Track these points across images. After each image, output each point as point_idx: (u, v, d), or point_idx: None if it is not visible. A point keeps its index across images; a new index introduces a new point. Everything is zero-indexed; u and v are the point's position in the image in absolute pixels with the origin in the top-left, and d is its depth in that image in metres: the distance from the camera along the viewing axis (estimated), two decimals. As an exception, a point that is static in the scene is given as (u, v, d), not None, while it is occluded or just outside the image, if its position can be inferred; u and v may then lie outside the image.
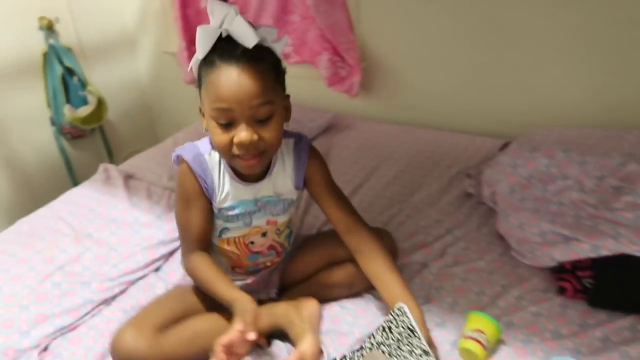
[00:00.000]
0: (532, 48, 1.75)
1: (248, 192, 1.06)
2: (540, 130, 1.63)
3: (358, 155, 1.86)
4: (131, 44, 2.78)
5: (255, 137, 0.91)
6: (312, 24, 2.13)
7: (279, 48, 0.97)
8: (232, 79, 0.89)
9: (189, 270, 1.06)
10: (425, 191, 1.58)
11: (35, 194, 2.42)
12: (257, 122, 0.92)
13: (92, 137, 2.66)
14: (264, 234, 1.12)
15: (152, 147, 2.01)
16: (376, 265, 1.06)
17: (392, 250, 1.18)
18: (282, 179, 1.09)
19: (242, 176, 1.05)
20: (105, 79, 2.64)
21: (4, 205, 2.30)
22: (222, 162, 1.04)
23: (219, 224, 1.09)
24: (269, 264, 1.17)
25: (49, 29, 2.31)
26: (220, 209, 1.06)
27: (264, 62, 0.92)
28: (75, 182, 2.55)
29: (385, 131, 2.01)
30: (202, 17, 2.45)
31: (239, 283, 1.11)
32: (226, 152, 0.95)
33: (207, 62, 0.92)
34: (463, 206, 1.49)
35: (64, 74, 2.38)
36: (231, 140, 0.92)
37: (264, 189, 1.07)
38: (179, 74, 2.63)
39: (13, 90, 2.25)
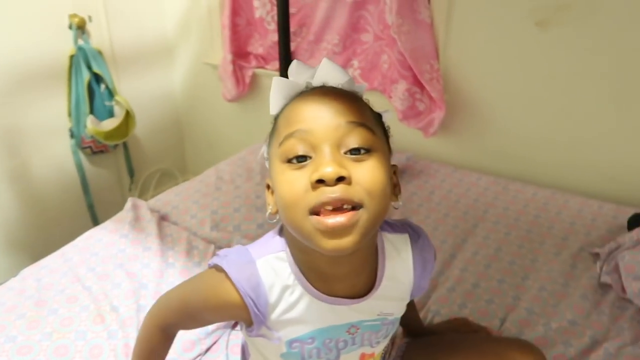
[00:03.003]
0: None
1: (339, 313, 0.69)
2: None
3: (442, 211, 1.51)
4: (168, 52, 2.47)
5: (344, 170, 0.56)
6: (387, 45, 1.81)
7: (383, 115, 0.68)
8: (313, 98, 0.62)
9: (140, 331, 0.80)
10: (543, 274, 1.23)
11: (45, 212, 2.11)
12: (347, 156, 0.58)
13: (113, 153, 2.34)
14: None
15: (189, 179, 1.67)
16: None
17: None
18: (396, 291, 0.73)
19: (330, 290, 0.67)
20: (134, 89, 2.33)
21: (11, 222, 1.99)
22: (297, 269, 0.67)
23: None
24: None
25: (80, 28, 2.00)
26: (289, 341, 0.69)
27: (357, 96, 0.65)
28: (90, 203, 2.24)
29: (471, 181, 1.66)
30: (253, 28, 2.14)
31: None
32: (300, 208, 0.57)
33: (280, 113, 0.66)
34: (602, 303, 1.13)
35: (90, 80, 2.07)
36: (307, 184, 0.57)
37: (365, 309, 0.70)
38: (219, 88, 2.32)
39: (33, 94, 1.95)
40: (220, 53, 2.23)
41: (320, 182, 0.55)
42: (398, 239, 0.73)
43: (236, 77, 2.19)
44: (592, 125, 1.58)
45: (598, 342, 1.02)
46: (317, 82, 0.65)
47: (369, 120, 0.62)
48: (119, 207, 2.38)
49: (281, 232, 0.69)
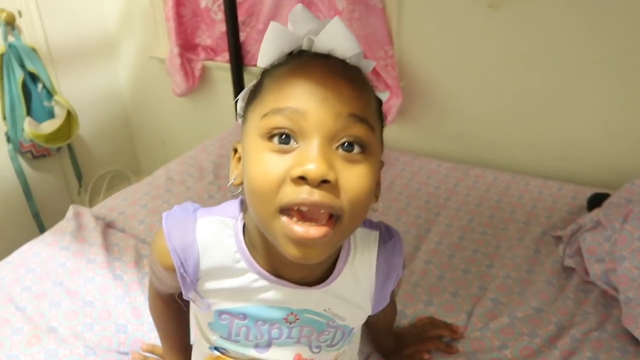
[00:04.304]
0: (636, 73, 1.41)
1: (280, 295, 0.62)
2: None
3: (403, 201, 1.47)
4: (110, 47, 2.32)
5: (332, 173, 0.48)
6: (340, 33, 1.74)
7: (381, 97, 0.60)
8: (315, 72, 0.52)
9: (150, 309, 0.80)
10: (508, 261, 1.20)
11: (-17, 226, 1.96)
12: (339, 152, 0.51)
13: (57, 157, 2.20)
14: None
15: (137, 182, 1.57)
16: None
17: None
18: (353, 294, 0.65)
19: (278, 269, 0.60)
20: (76, 87, 2.19)
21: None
22: (242, 240, 0.61)
23: (211, 337, 0.67)
24: None
25: (9, 24, 1.86)
26: (219, 311, 0.63)
27: (366, 79, 0.57)
28: (35, 211, 2.10)
29: (431, 169, 1.63)
30: (199, 19, 2.03)
31: None
32: (270, 201, 0.50)
33: (269, 70, 0.56)
34: (567, 287, 1.12)
35: (25, 79, 1.92)
36: (285, 175, 0.49)
37: (310, 298, 0.63)
38: (168, 83, 2.20)
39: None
40: (167, 46, 2.12)
41: (302, 178, 0.48)
42: (367, 235, 0.66)
43: (185, 71, 2.08)
44: (547, 105, 1.56)
45: (564, 328, 1.00)
46: (321, 44, 0.54)
47: (372, 114, 0.54)
48: (66, 213, 2.26)
49: (243, 201, 0.63)
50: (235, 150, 0.60)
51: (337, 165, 0.50)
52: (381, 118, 0.58)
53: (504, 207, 1.41)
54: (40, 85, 1.98)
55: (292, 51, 0.56)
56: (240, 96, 0.61)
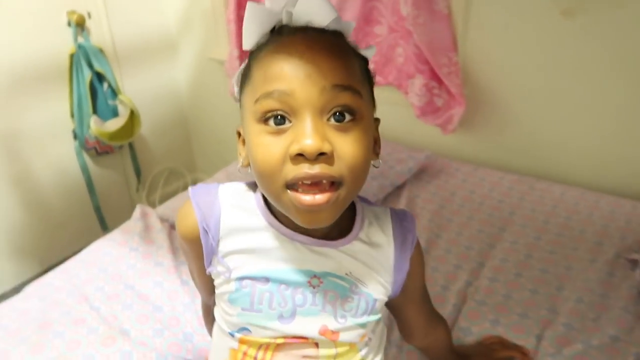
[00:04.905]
0: None
1: (301, 255, 0.62)
2: None
3: (465, 214, 1.43)
4: (172, 48, 2.38)
5: (327, 145, 0.52)
6: (402, 38, 1.72)
7: (366, 54, 0.62)
8: (295, 50, 0.54)
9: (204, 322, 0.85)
10: (579, 283, 1.15)
11: (51, 217, 2.06)
12: (330, 124, 0.54)
13: (119, 154, 2.27)
14: None
15: (198, 177, 1.60)
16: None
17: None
18: (374, 260, 0.66)
19: (294, 226, 0.61)
20: (138, 87, 2.25)
21: (16, 228, 1.94)
22: (262, 200, 0.64)
23: (233, 318, 0.64)
24: None
25: (79, 25, 1.92)
26: (240, 278, 0.62)
27: (346, 43, 0.59)
28: (97, 205, 2.17)
29: (494, 180, 1.58)
30: (260, 22, 2.05)
31: None
32: (275, 180, 0.54)
33: (255, 52, 0.58)
34: (646, 316, 1.06)
35: (92, 79, 1.99)
36: (285, 154, 0.53)
37: (331, 258, 0.63)
38: (226, 85, 2.24)
39: (33, 96, 1.88)
40: (226, 48, 2.15)
41: (300, 155, 0.52)
42: (378, 210, 0.70)
43: (243, 73, 2.10)
44: (622, 120, 1.49)
45: (646, 362, 0.95)
46: (299, 15, 0.57)
47: (357, 79, 0.56)
48: (126, 208, 2.33)
49: None
50: (239, 134, 0.63)
51: (330, 136, 0.53)
52: (369, 77, 0.60)
53: (573, 225, 1.35)
54: (105, 85, 2.05)
55: (274, 27, 0.58)
56: (233, 81, 0.64)
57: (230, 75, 2.15)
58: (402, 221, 0.69)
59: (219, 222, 0.62)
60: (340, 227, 0.64)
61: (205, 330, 1.01)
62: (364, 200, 0.70)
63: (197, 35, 2.30)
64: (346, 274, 0.64)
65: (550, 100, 1.58)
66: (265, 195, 0.60)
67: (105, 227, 2.23)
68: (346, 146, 0.53)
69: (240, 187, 0.66)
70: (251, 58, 0.58)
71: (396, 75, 1.76)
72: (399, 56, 1.74)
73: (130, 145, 2.28)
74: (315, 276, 0.63)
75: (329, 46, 0.55)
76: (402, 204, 1.48)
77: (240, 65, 2.15)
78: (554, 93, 1.57)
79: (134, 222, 1.33)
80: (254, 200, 0.64)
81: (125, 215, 1.45)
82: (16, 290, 1.89)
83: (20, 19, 1.77)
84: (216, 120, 2.49)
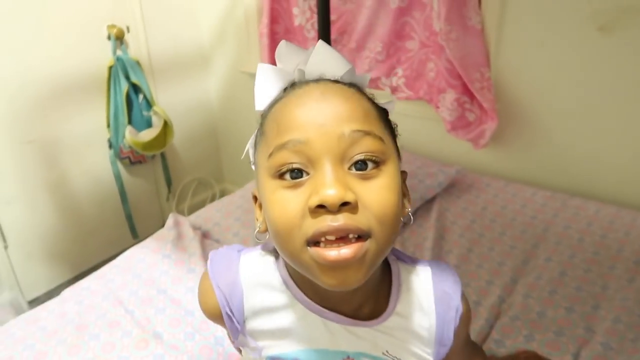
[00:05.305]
0: None
1: (333, 336, 0.56)
2: None
3: (497, 229, 1.42)
4: (204, 61, 2.44)
5: (350, 194, 0.46)
6: (434, 53, 1.72)
7: (387, 107, 0.57)
8: (309, 98, 0.50)
9: None
10: (617, 302, 1.12)
11: (84, 223, 2.11)
12: (352, 173, 0.48)
13: (151, 163, 2.32)
14: None
15: (225, 188, 1.62)
16: None
17: None
18: (412, 335, 0.58)
19: (326, 302, 0.56)
20: (172, 99, 2.31)
21: (51, 233, 1.99)
22: (286, 271, 0.57)
23: None
24: None
25: (119, 39, 1.99)
26: (270, 358, 0.58)
27: (363, 93, 0.54)
28: (129, 213, 2.22)
29: (526, 196, 1.56)
30: (292, 36, 2.08)
31: None
32: (294, 237, 0.48)
33: (266, 110, 0.55)
34: (688, 338, 1.03)
35: (129, 90, 2.05)
36: (303, 208, 0.47)
37: (366, 338, 0.57)
38: (256, 98, 2.26)
39: (72, 105, 1.94)
40: (258, 61, 2.19)
41: (321, 207, 0.46)
42: (417, 267, 0.61)
43: (274, 87, 2.13)
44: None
45: (689, 385, 0.92)
46: (311, 72, 0.53)
47: (377, 125, 0.51)
48: (156, 216, 2.37)
49: None
50: (255, 198, 0.58)
51: (353, 185, 0.47)
52: (390, 128, 0.55)
53: (609, 244, 1.32)
54: (141, 96, 2.11)
55: (286, 87, 0.55)
56: (248, 144, 0.59)
57: (261, 88, 2.19)
58: (443, 287, 0.60)
59: (242, 304, 0.57)
60: (376, 297, 0.57)
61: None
62: (398, 255, 0.62)
63: (230, 49, 2.35)
64: (383, 353, 0.58)
65: (584, 115, 1.56)
66: (284, 258, 0.53)
67: (135, 234, 2.27)
68: (372, 194, 0.47)
69: (263, 257, 0.60)
70: (263, 117, 0.55)
71: (427, 89, 1.77)
72: (430, 71, 1.75)
73: (162, 155, 2.33)
74: (348, 357, 0.57)
75: (344, 92, 0.51)
76: (432, 217, 1.47)
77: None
78: (588, 109, 1.55)
79: (167, 230, 1.36)
80: (277, 273, 0.58)
81: (155, 224, 1.47)
82: (49, 295, 1.94)
83: (65, 32, 1.84)
84: (245, 132, 2.52)
